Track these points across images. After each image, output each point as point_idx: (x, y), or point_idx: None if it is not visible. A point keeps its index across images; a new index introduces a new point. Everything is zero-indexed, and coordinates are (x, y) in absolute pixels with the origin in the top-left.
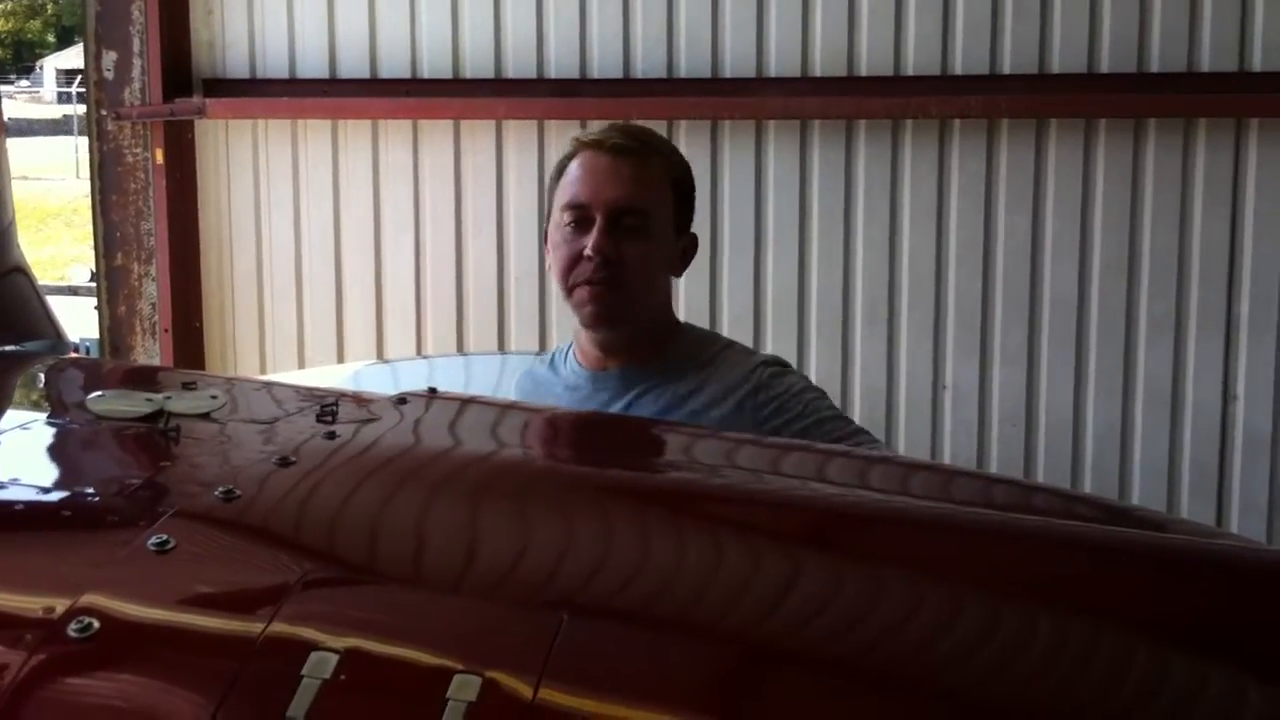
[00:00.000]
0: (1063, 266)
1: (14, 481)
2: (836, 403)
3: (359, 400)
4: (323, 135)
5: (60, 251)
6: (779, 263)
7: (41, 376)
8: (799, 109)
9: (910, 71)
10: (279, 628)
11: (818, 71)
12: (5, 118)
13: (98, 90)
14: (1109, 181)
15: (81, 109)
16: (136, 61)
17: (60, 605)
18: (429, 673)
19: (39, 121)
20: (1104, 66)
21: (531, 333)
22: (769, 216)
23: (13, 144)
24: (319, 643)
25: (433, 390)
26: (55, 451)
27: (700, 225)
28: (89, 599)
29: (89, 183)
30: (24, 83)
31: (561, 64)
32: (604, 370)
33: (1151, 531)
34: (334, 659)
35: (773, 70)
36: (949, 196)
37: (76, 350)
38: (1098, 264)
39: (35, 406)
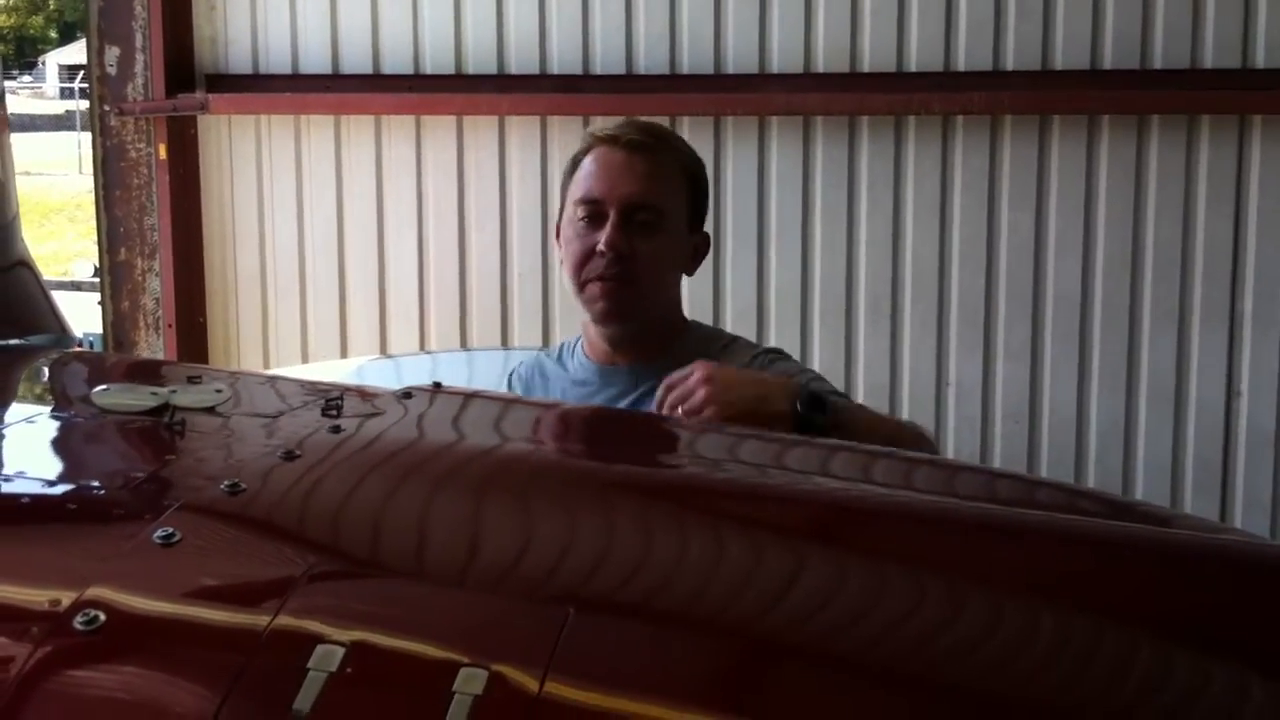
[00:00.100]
0: (1066, 263)
1: (20, 475)
2: None
3: (363, 395)
4: (325, 131)
5: (63, 247)
6: (782, 259)
7: (47, 370)
8: (802, 105)
9: (913, 68)
10: (285, 621)
11: (821, 68)
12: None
13: (101, 86)
14: (1112, 178)
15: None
16: (139, 57)
17: (66, 598)
18: (435, 666)
19: (41, 117)
20: (1107, 63)
21: (535, 328)
22: (772, 213)
23: (15, 140)
24: (325, 636)
25: (437, 385)
26: (61, 445)
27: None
28: (95, 592)
29: (92, 178)
30: (26, 78)
31: (564, 60)
32: (612, 365)
33: (1156, 526)
34: (340, 652)
35: (776, 66)
36: (952, 193)
37: (80, 345)
38: (1101, 260)
39: (41, 400)
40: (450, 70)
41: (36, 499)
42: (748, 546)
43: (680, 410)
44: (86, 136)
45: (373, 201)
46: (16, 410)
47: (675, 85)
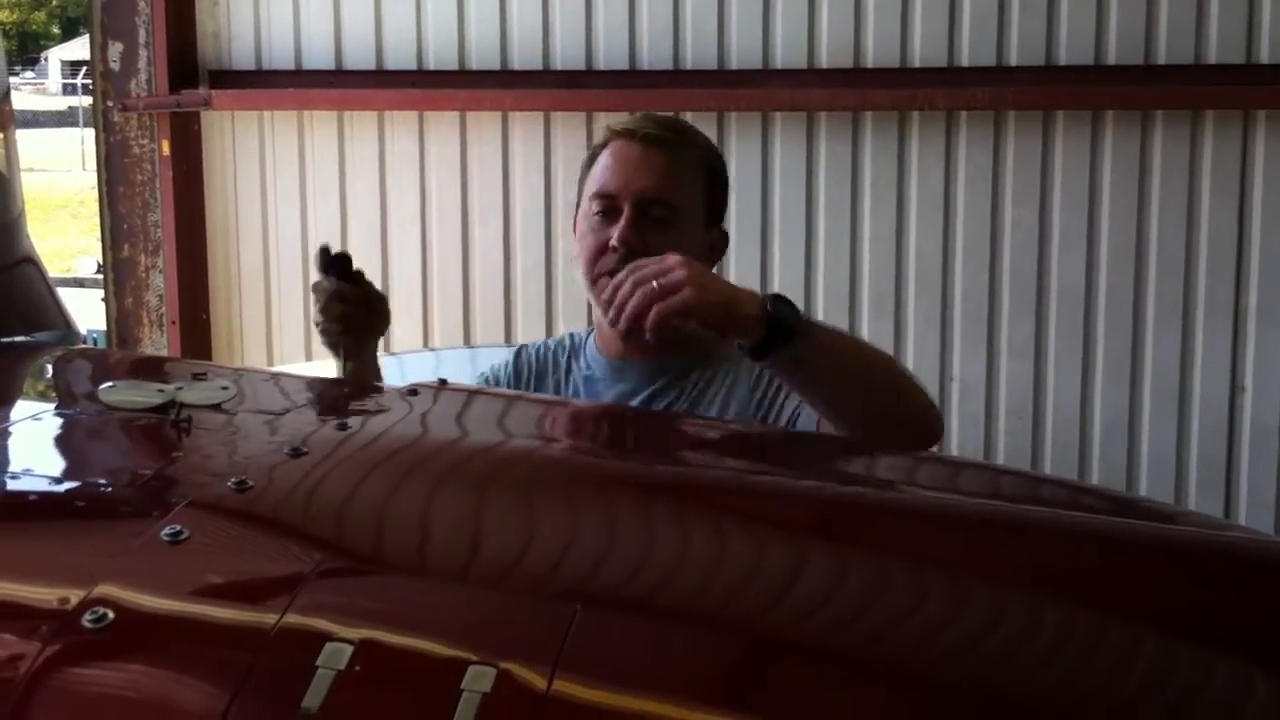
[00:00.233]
0: (1070, 258)
1: (27, 472)
2: None
3: (369, 392)
4: (329, 127)
5: (67, 243)
6: (785, 255)
7: (53, 367)
8: (805, 101)
9: (917, 63)
10: (293, 618)
11: (824, 63)
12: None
13: (104, 82)
14: (1116, 173)
15: (86, 101)
16: (142, 53)
17: (74, 596)
18: (443, 664)
19: (44, 113)
20: (1111, 58)
21: (538, 324)
22: (775, 208)
23: (18, 136)
24: (333, 633)
25: (443, 381)
26: (67, 442)
27: None
28: (103, 590)
29: (95, 174)
30: (29, 74)
31: (567, 56)
32: (625, 360)
33: (1160, 523)
34: (348, 650)
35: (779, 62)
36: (956, 188)
37: (85, 342)
38: (1105, 256)
39: (47, 397)
40: (454, 66)
41: (44, 496)
42: (755, 543)
43: (655, 284)
44: (89, 133)
45: (376, 198)
46: (23, 407)
47: (679, 81)
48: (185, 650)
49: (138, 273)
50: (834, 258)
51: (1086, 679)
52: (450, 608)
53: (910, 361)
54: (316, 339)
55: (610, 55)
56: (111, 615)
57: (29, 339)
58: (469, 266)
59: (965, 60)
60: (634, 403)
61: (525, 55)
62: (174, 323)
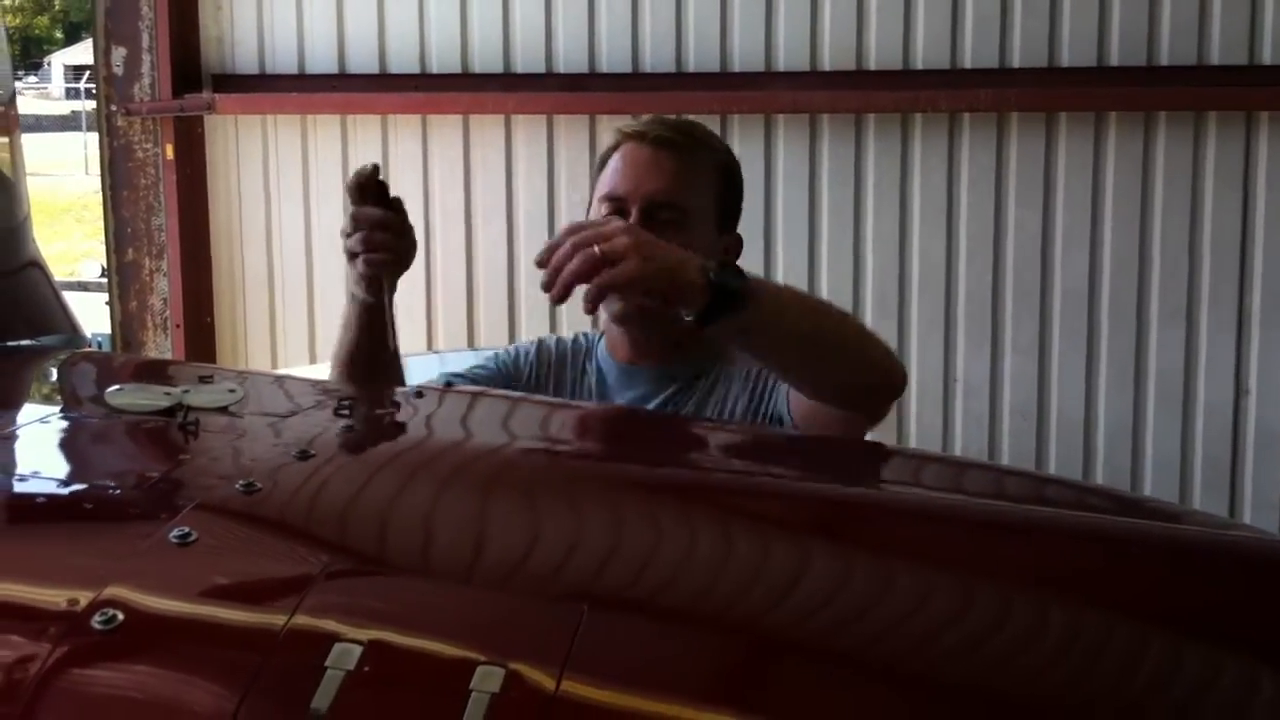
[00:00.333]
0: (1073, 259)
1: (35, 475)
2: None
3: (375, 394)
4: (332, 130)
5: (71, 247)
6: (788, 257)
7: (59, 371)
8: (808, 103)
9: (919, 65)
10: (302, 620)
11: (826, 65)
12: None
13: (107, 86)
14: (1119, 175)
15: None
16: (146, 57)
17: (84, 598)
18: (452, 664)
19: (47, 118)
20: (1113, 60)
21: (542, 327)
22: (778, 211)
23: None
24: (342, 634)
25: (449, 383)
26: (75, 445)
27: None
28: (112, 591)
29: (99, 178)
30: (32, 79)
31: (570, 59)
32: (633, 365)
33: (1165, 523)
34: (357, 651)
35: (781, 65)
36: (959, 190)
37: (90, 345)
38: (1108, 257)
39: (54, 401)
40: (456, 70)
41: (52, 499)
42: (762, 545)
43: (597, 250)
44: (92, 137)
45: None
46: (30, 411)
47: (681, 84)
48: (194, 651)
49: (142, 276)
50: (837, 259)
51: (1092, 678)
52: (458, 608)
53: (914, 362)
54: (320, 342)
55: (613, 58)
56: (121, 617)
57: (35, 343)
58: (472, 269)
59: (968, 62)
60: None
61: (528, 58)
62: (178, 326)
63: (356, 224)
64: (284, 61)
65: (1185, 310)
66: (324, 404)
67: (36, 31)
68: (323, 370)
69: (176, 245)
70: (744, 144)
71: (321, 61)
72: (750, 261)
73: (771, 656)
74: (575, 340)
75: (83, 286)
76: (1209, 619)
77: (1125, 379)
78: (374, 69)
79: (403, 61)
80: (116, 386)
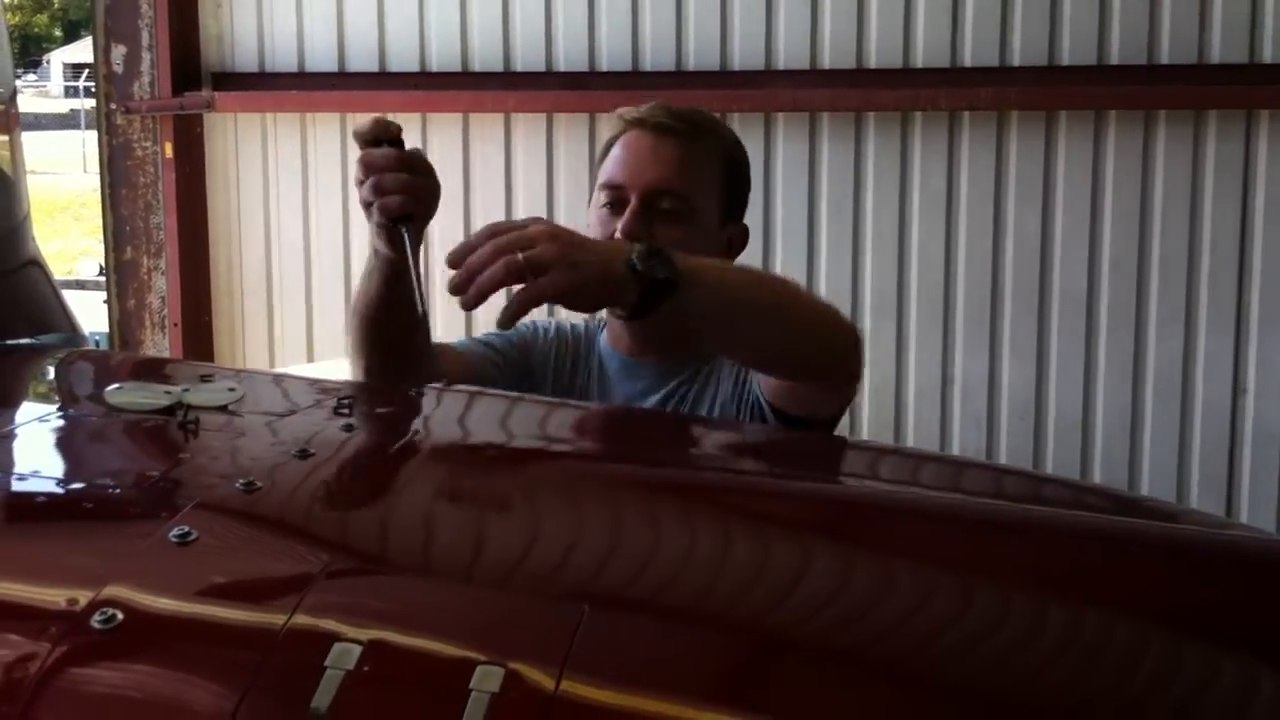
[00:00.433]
0: (1072, 259)
1: (35, 474)
2: None
3: (375, 392)
4: (332, 129)
5: (69, 245)
6: (787, 255)
7: (59, 370)
8: (808, 101)
9: (919, 64)
10: (302, 619)
11: (827, 64)
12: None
13: (106, 84)
14: (1119, 174)
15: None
16: (145, 55)
17: (83, 597)
18: (452, 664)
19: (46, 116)
20: (1114, 58)
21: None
22: (777, 209)
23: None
24: (342, 634)
25: (449, 382)
26: (74, 444)
27: None
28: (112, 591)
29: (97, 177)
30: (31, 77)
31: (570, 57)
32: (635, 359)
33: (1162, 522)
34: (357, 650)
35: (781, 63)
36: (958, 189)
37: (90, 344)
38: (1107, 256)
39: (53, 399)
40: (456, 68)
41: (51, 498)
42: (762, 544)
43: (521, 257)
44: (91, 135)
45: None
46: (29, 409)
47: (681, 82)
48: (194, 650)
49: (140, 275)
50: (836, 258)
51: (1090, 678)
52: (458, 608)
53: (912, 362)
54: (318, 340)
55: (613, 56)
56: (120, 616)
57: (35, 341)
58: None
59: (968, 60)
60: (648, 403)
61: (528, 57)
62: (176, 325)
63: (368, 168)
64: (284, 60)
65: (1184, 309)
66: (323, 403)
67: (36, 29)
68: (322, 369)
69: (175, 244)
70: (744, 142)
71: (321, 60)
72: (750, 259)
73: (771, 656)
74: (586, 328)
75: (81, 285)
76: (1206, 618)
77: (1124, 378)
78: (374, 67)
79: (403, 60)
80: (116, 385)
